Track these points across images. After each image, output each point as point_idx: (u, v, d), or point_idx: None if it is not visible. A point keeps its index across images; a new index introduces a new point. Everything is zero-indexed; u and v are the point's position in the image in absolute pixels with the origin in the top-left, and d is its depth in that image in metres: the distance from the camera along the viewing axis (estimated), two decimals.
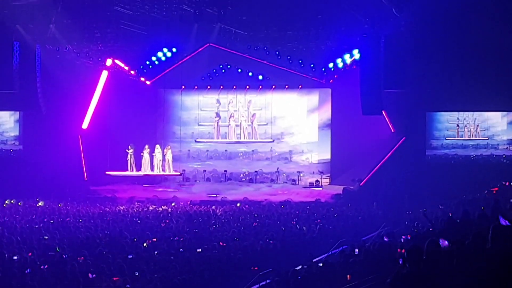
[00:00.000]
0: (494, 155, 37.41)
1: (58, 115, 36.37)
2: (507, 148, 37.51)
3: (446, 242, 9.97)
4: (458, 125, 38.29)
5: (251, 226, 24.25)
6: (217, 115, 41.69)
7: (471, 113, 38.02)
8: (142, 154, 38.32)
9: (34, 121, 37.92)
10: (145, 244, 19.46)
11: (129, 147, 38.50)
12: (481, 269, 8.38)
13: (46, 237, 20.96)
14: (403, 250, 12.95)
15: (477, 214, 15.30)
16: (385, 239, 16.12)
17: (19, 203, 31.65)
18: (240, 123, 41.40)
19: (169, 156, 38.87)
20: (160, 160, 38.74)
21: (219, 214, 28.74)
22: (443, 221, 15.76)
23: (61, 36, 33.28)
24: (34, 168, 36.18)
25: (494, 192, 24.91)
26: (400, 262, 11.14)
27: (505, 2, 30.07)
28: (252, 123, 41.29)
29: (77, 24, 32.43)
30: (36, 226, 24.12)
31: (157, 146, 38.97)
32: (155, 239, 20.56)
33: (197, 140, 41.84)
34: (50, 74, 34.47)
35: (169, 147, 39.33)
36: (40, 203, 32.75)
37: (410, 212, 26.98)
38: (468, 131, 38.15)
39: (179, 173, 39.62)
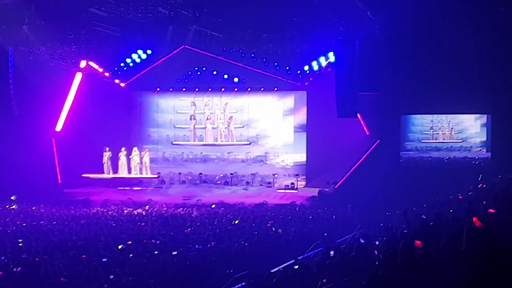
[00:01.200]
0: (467, 157, 37.66)
1: (32, 117, 36.04)
2: (480, 150, 37.77)
3: (420, 243, 10.00)
4: (432, 128, 38.52)
5: (226, 229, 24.19)
6: (193, 117, 41.59)
7: (445, 115, 38.25)
8: (119, 156, 38.18)
9: (7, 123, 37.48)
10: (119, 247, 19.33)
11: (106, 150, 38.37)
12: (456, 271, 8.42)
13: (20, 240, 20.75)
14: (376, 252, 12.99)
15: (451, 216, 15.36)
16: (362, 241, 16.13)
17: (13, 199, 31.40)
18: (217, 125, 41.34)
19: (146, 158, 38.85)
20: (137, 163, 38.66)
21: (194, 217, 28.64)
22: (417, 223, 15.81)
23: (34, 37, 33.01)
24: (7, 171, 35.80)
25: (468, 193, 25.04)
26: (377, 263, 11.19)
27: (477, 6, 30.28)
28: (229, 125, 41.25)
29: (51, 25, 32.19)
30: (9, 230, 23.88)
31: (135, 148, 38.95)
32: (130, 242, 20.44)
33: (173, 143, 41.74)
34: (23, 75, 34.15)
35: (146, 149, 39.32)
36: (13, 197, 32.57)
37: (389, 213, 27.03)
38: (443, 133, 38.38)
39: (156, 176, 39.51)
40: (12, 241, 20.74)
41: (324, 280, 13.17)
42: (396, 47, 33.01)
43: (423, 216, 19.97)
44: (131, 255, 18.22)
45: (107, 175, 38.43)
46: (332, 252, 15.38)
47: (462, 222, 13.86)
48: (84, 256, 17.74)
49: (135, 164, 38.67)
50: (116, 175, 38.48)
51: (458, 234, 10.21)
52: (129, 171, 38.78)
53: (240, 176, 39.98)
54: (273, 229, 23.84)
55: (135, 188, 38.55)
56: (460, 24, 30.98)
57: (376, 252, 12.10)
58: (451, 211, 18.39)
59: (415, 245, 9.82)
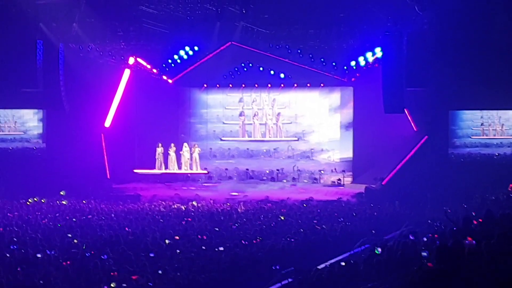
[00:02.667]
0: None
1: (81, 114, 36.54)
2: None
3: (473, 241, 9.91)
4: (482, 124, 38.02)
5: (273, 225, 24.22)
6: (243, 113, 41.70)
7: (495, 111, 37.71)
8: (168, 152, 38.56)
9: (57, 119, 38.13)
10: (167, 241, 19.49)
11: (159, 145, 38.76)
12: (506, 269, 8.33)
13: (69, 235, 21.06)
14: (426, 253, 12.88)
15: (500, 214, 15.18)
16: (411, 237, 16.01)
17: (42, 200, 31.84)
18: (266, 121, 41.38)
19: (196, 154, 39.06)
20: (188, 159, 38.96)
21: (240, 212, 28.74)
22: (466, 220, 15.64)
23: (84, 34, 33.47)
24: (57, 166, 36.37)
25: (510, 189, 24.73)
26: (425, 255, 11.09)
27: None
28: (277, 121, 41.26)
29: (100, 22, 32.65)
30: (59, 224, 24.25)
31: (185, 144, 39.22)
32: (177, 237, 20.59)
33: (222, 138, 41.91)
34: (73, 72, 34.67)
35: (196, 145, 39.50)
36: (62, 193, 33.05)
37: (449, 210, 26.65)
38: (493, 129, 37.87)
39: (206, 172, 39.73)
40: (61, 236, 21.04)
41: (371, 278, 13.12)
42: (444, 42, 32.66)
43: (472, 213, 19.79)
44: (178, 250, 18.35)
45: (159, 170, 38.79)
46: (379, 249, 15.29)
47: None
48: (132, 251, 17.93)
49: (185, 160, 38.97)
50: (167, 171, 38.80)
51: (508, 232, 10.10)
52: (179, 167, 39.08)
53: (287, 172, 39.97)
54: (319, 225, 23.78)
55: (183, 184, 38.77)
56: (509, 17, 30.55)
57: (425, 252, 11.96)
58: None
59: (467, 242, 9.73)
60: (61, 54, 33.33)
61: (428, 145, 35.98)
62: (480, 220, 15.14)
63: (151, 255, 17.35)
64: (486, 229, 13.44)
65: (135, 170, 38.32)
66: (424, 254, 11.35)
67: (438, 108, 36.29)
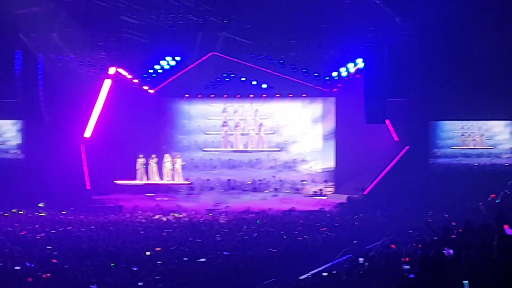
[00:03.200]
0: (497, 164, 37.26)
1: (61, 124, 36.26)
2: (509, 156, 37.38)
3: (451, 251, 9.89)
4: (463, 134, 38.18)
5: (255, 236, 24.15)
6: (225, 124, 41.62)
7: (475, 122, 37.89)
8: (149, 163, 38.39)
9: (36, 130, 37.79)
10: (147, 253, 19.36)
11: (140, 156, 38.59)
12: (488, 279, 8.30)
13: (49, 247, 20.87)
14: (407, 259, 12.87)
15: (481, 224, 15.18)
16: (392, 247, 16.01)
17: (21, 212, 31.55)
18: (248, 132, 41.34)
19: (178, 165, 38.93)
20: (169, 169, 38.84)
21: (222, 223, 28.65)
22: (447, 230, 15.65)
23: (63, 44, 33.32)
24: (36, 177, 36.06)
25: (496, 201, 24.80)
26: (407, 268, 11.08)
27: (507, 11, 30.03)
28: (259, 132, 41.23)
29: (80, 32, 32.44)
30: (38, 236, 24.03)
31: (166, 155, 39.09)
32: (158, 249, 20.47)
33: (204, 149, 41.79)
34: (53, 83, 34.45)
35: (178, 156, 39.38)
36: (41, 204, 32.82)
37: (431, 219, 26.65)
38: (473, 140, 38.03)
39: (188, 182, 39.59)
40: (41, 248, 20.86)
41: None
42: (425, 53, 32.80)
43: (452, 223, 19.82)
44: (159, 262, 18.24)
45: (140, 181, 38.61)
46: (361, 259, 15.26)
47: (492, 229, 13.70)
48: (113, 263, 17.80)
49: (167, 170, 38.85)
50: (149, 182, 38.64)
51: (489, 241, 10.08)
52: (161, 178, 38.94)
53: (269, 182, 39.91)
54: (306, 237, 23.73)
55: (164, 195, 38.60)
56: (490, 30, 30.76)
57: (403, 259, 11.96)
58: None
59: (446, 253, 9.69)
60: (40, 64, 33.17)
61: (409, 156, 36.08)
62: (461, 230, 15.15)
63: (134, 268, 17.21)
64: (466, 239, 13.44)
65: (116, 181, 38.10)
66: (406, 267, 11.34)
67: (419, 119, 36.39)
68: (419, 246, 15.52)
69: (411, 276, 10.36)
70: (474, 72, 33.65)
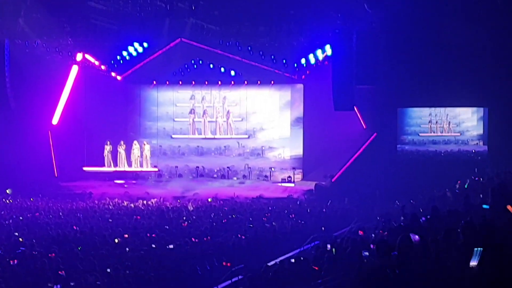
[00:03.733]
0: (464, 150, 37.65)
1: (28, 111, 35.98)
2: (477, 143, 37.77)
3: (417, 237, 9.98)
4: (430, 121, 38.50)
5: (223, 222, 24.19)
6: (193, 111, 41.51)
7: (443, 108, 38.22)
8: (117, 150, 38.19)
9: (3, 116, 37.39)
10: (116, 240, 19.31)
11: (107, 143, 38.36)
12: (453, 263, 8.41)
13: (16, 234, 20.75)
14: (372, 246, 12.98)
15: (447, 210, 15.36)
16: (360, 234, 16.13)
17: (8, 191, 31.35)
18: (216, 119, 41.29)
19: (147, 152, 38.81)
20: (138, 156, 38.69)
21: (191, 210, 28.65)
22: (411, 217, 15.81)
23: (30, 30, 32.96)
24: (4, 164, 35.76)
25: (464, 187, 25.03)
26: (366, 254, 11.20)
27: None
28: (227, 119, 41.19)
29: (47, 18, 32.16)
30: (6, 222, 23.87)
31: (135, 142, 38.92)
32: (126, 236, 20.43)
33: (172, 136, 41.65)
34: (19, 69, 34.11)
35: (146, 142, 39.23)
36: (8, 191, 32.59)
37: (398, 203, 26.80)
38: (440, 126, 38.37)
39: (157, 169, 39.48)
40: (8, 234, 20.72)
41: (321, 273, 13.17)
42: (393, 40, 32.95)
43: (420, 209, 20.01)
44: (127, 248, 18.20)
45: (108, 168, 38.39)
46: (328, 246, 15.37)
47: (459, 215, 13.87)
48: (80, 249, 17.74)
49: (135, 157, 38.70)
50: (117, 169, 38.45)
51: (455, 227, 10.22)
52: (129, 165, 38.78)
53: (237, 169, 39.94)
54: (274, 223, 23.82)
55: (133, 182, 38.47)
56: (457, 16, 30.95)
57: (372, 246, 12.08)
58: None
59: (412, 239, 9.79)
60: (6, 50, 32.79)
61: (377, 142, 36.31)
62: (428, 216, 15.31)
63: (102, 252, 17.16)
64: (433, 226, 13.60)
65: (84, 168, 37.87)
66: (366, 253, 11.45)
67: (387, 106, 36.62)
68: (385, 233, 15.67)
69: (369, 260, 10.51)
70: (442, 59, 33.91)
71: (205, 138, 41.39)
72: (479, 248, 7.66)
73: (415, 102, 37.69)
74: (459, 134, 38.08)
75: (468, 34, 31.39)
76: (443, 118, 38.32)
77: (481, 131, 37.76)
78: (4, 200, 31.72)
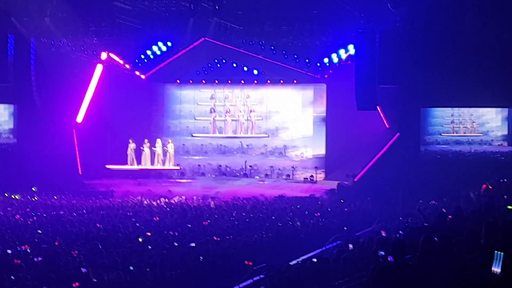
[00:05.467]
0: (488, 151, 37.43)
1: (53, 109, 36.25)
2: (501, 144, 37.54)
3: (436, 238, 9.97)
4: (453, 121, 38.30)
5: (245, 221, 24.23)
6: (213, 110, 41.61)
7: (466, 109, 38.01)
8: (142, 148, 38.31)
9: (28, 114, 37.82)
10: (140, 240, 19.38)
11: (130, 141, 38.51)
12: (475, 264, 8.39)
13: (40, 231, 20.92)
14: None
15: (470, 210, 15.31)
16: (382, 234, 16.09)
17: (16, 196, 31.57)
18: (238, 118, 41.36)
19: (171, 150, 38.84)
20: (160, 155, 38.78)
21: (213, 208, 28.72)
22: (437, 217, 15.76)
23: (56, 29, 33.23)
24: (28, 162, 36.05)
25: (490, 188, 24.88)
26: (382, 253, 11.19)
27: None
28: (250, 117, 41.24)
29: (72, 17, 32.42)
30: (30, 220, 24.07)
31: (158, 140, 39.01)
32: (149, 234, 20.53)
33: (193, 134, 41.78)
34: (45, 67, 34.36)
35: (170, 141, 39.33)
36: (33, 189, 32.89)
37: (421, 202, 26.65)
38: (464, 127, 38.17)
39: (179, 167, 39.59)
40: (32, 231, 20.90)
41: (343, 273, 13.18)
42: (417, 39, 32.83)
43: (443, 209, 19.93)
44: (150, 246, 18.30)
45: (131, 166, 38.56)
46: (351, 246, 15.36)
47: (482, 216, 13.81)
48: (103, 247, 17.85)
49: (158, 155, 38.82)
50: (140, 167, 38.60)
51: (478, 228, 10.18)
52: (152, 163, 38.92)
53: (259, 168, 39.99)
54: (291, 222, 23.83)
55: (155, 180, 38.63)
56: (482, 16, 30.80)
57: (382, 251, 12.05)
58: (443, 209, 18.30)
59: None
60: (32, 48, 33.05)
61: (400, 142, 36.19)
62: (450, 216, 15.27)
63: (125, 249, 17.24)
64: (456, 226, 13.55)
65: (107, 166, 38.09)
66: (381, 253, 11.43)
67: (410, 105, 36.52)
68: (401, 232, 15.65)
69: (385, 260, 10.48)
70: (465, 59, 33.73)
71: (228, 137, 41.47)
72: (500, 252, 7.61)
73: (438, 102, 37.53)
74: (482, 134, 37.84)
75: (491, 33, 31.25)
76: (467, 118, 38.10)
77: (505, 132, 37.54)
78: (29, 197, 31.99)
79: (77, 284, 13.97)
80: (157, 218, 25.09)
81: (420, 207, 21.16)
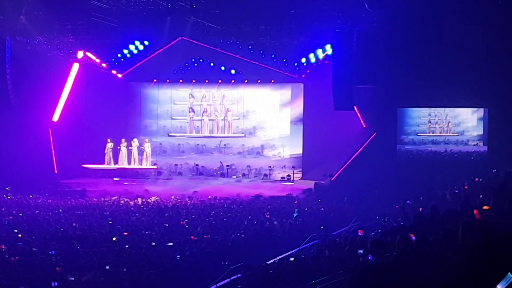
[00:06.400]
0: (464, 151, 37.68)
1: (29, 108, 35.96)
2: (476, 144, 37.80)
3: (413, 237, 10.01)
4: (430, 121, 38.53)
5: (222, 221, 24.22)
6: (191, 110, 41.51)
7: (443, 109, 38.25)
8: (119, 147, 38.13)
9: (3, 113, 37.42)
10: (114, 239, 19.31)
11: (108, 140, 38.30)
12: (452, 264, 8.43)
13: (16, 230, 20.78)
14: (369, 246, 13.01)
15: (445, 210, 15.38)
16: (359, 233, 16.15)
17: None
18: (215, 117, 41.30)
19: (148, 149, 38.72)
20: (137, 154, 38.62)
21: (190, 208, 28.67)
22: (413, 216, 15.84)
23: (31, 27, 32.96)
24: (4, 161, 35.79)
25: (465, 188, 25.02)
26: (360, 252, 11.24)
27: (476, 0, 30.33)
28: (226, 117, 41.21)
29: (48, 15, 32.14)
30: (6, 219, 23.91)
31: (135, 139, 38.86)
32: (126, 233, 20.46)
33: (170, 134, 41.66)
34: (21, 66, 34.13)
35: (147, 140, 39.20)
36: (7, 189, 32.68)
37: (396, 206, 26.82)
38: (440, 127, 38.41)
39: (156, 167, 39.47)
40: (8, 231, 20.77)
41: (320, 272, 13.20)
42: (394, 40, 32.97)
43: (420, 209, 20.02)
44: (127, 246, 18.24)
45: (108, 165, 38.37)
46: (327, 252, 15.38)
47: (458, 215, 13.89)
48: (79, 246, 17.77)
49: (135, 155, 38.65)
50: (117, 166, 38.42)
51: (454, 227, 10.23)
52: (129, 162, 38.75)
53: (237, 167, 39.98)
54: (268, 222, 23.85)
55: (132, 179, 38.50)
56: (457, 17, 30.98)
57: (361, 250, 12.10)
58: (420, 209, 18.37)
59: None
60: (8, 47, 32.82)
61: (376, 142, 36.36)
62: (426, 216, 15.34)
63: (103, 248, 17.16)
64: (431, 226, 13.63)
65: (84, 165, 37.89)
66: (360, 251, 11.50)
67: (386, 105, 36.68)
68: (380, 231, 15.70)
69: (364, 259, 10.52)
70: (442, 59, 33.93)
71: (205, 137, 41.41)
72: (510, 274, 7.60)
73: (415, 102, 37.75)
74: (458, 134, 38.10)
75: (468, 35, 31.42)
76: (442, 118, 38.34)
77: (481, 132, 37.80)
78: (4, 196, 31.74)
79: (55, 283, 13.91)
80: (134, 218, 25.00)
81: (403, 204, 21.21)
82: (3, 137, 37.22)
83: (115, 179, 38.08)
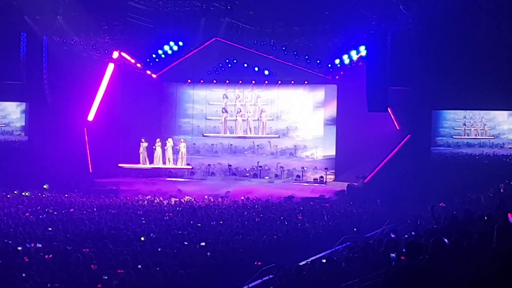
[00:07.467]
0: (499, 154, 37.29)
1: (64, 107, 36.39)
2: None
3: (447, 240, 9.96)
4: (465, 124, 38.16)
5: (255, 221, 24.25)
6: (225, 110, 41.59)
7: (478, 111, 37.87)
8: (154, 147, 38.30)
9: (40, 112, 37.98)
10: (142, 239, 19.38)
11: (142, 140, 38.49)
12: (486, 268, 8.37)
13: (50, 229, 21.00)
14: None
15: (480, 213, 15.27)
16: (392, 236, 16.08)
17: (26, 193, 31.70)
18: (247, 118, 41.32)
19: (183, 149, 38.78)
20: (171, 154, 38.73)
21: (223, 208, 28.75)
22: (447, 219, 15.72)
23: (68, 27, 33.35)
24: (39, 159, 36.22)
25: (499, 191, 24.81)
26: (393, 256, 11.18)
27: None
28: (260, 118, 41.17)
29: (85, 16, 32.51)
30: (41, 217, 24.18)
31: (169, 139, 39.00)
32: (153, 235, 20.57)
33: (204, 134, 41.77)
34: (57, 65, 34.52)
35: (182, 140, 39.28)
36: (45, 186, 32.98)
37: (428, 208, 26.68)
38: (475, 129, 38.02)
39: (191, 167, 39.55)
40: (43, 229, 20.98)
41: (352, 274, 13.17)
42: (428, 41, 32.78)
43: (454, 212, 19.89)
44: (159, 245, 18.34)
45: (143, 165, 38.57)
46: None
47: (493, 219, 13.78)
48: (112, 245, 17.90)
49: (169, 155, 38.78)
50: (151, 166, 38.58)
51: (489, 231, 10.16)
52: (164, 162, 38.89)
53: (269, 168, 39.97)
54: (300, 223, 23.83)
55: (166, 179, 38.69)
56: (494, 18, 30.72)
57: (393, 253, 12.04)
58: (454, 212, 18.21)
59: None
60: (44, 47, 33.24)
61: (410, 144, 36.13)
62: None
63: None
64: (466, 228, 13.52)
65: (120, 164, 38.13)
66: (392, 255, 11.43)
67: (421, 107, 36.43)
68: (413, 233, 15.62)
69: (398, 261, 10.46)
70: (478, 61, 33.61)
71: (238, 137, 41.44)
72: None
73: (450, 105, 37.41)
74: (494, 137, 37.69)
75: (503, 36, 31.13)
76: (478, 121, 37.97)
77: None
78: (39, 194, 32.10)
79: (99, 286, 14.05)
80: (167, 217, 25.12)
81: (432, 207, 21.06)
82: (39, 135, 37.72)
83: (149, 178, 38.25)
